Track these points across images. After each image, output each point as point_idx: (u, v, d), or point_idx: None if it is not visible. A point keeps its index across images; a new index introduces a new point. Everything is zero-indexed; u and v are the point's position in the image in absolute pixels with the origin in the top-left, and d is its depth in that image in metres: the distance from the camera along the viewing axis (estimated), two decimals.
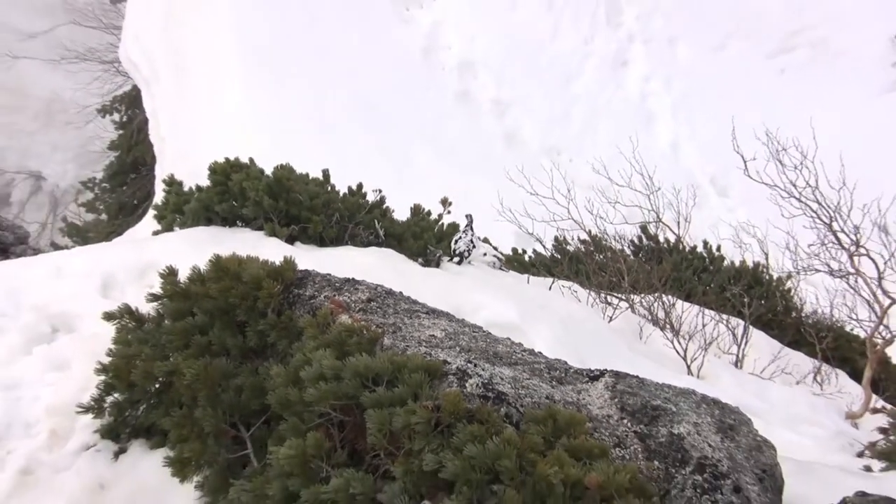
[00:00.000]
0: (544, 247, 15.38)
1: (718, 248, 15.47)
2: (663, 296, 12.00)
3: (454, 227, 10.01)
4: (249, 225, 8.76)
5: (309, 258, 6.54)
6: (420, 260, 9.10)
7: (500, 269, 10.81)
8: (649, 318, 11.60)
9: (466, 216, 10.21)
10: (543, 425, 4.12)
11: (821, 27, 26.38)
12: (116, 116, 28.59)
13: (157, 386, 5.25)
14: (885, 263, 11.30)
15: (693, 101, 24.33)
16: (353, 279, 5.64)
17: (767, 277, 14.39)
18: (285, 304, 5.27)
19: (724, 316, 12.05)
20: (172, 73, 22.18)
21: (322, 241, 8.73)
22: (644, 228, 15.88)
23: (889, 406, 10.39)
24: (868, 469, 7.03)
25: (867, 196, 12.17)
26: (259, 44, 22.60)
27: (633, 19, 26.44)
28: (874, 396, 10.88)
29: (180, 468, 4.92)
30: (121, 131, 27.73)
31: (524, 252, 15.07)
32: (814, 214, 12.20)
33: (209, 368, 4.91)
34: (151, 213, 10.54)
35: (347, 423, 4.30)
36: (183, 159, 18.10)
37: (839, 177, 12.35)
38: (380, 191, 9.61)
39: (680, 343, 10.58)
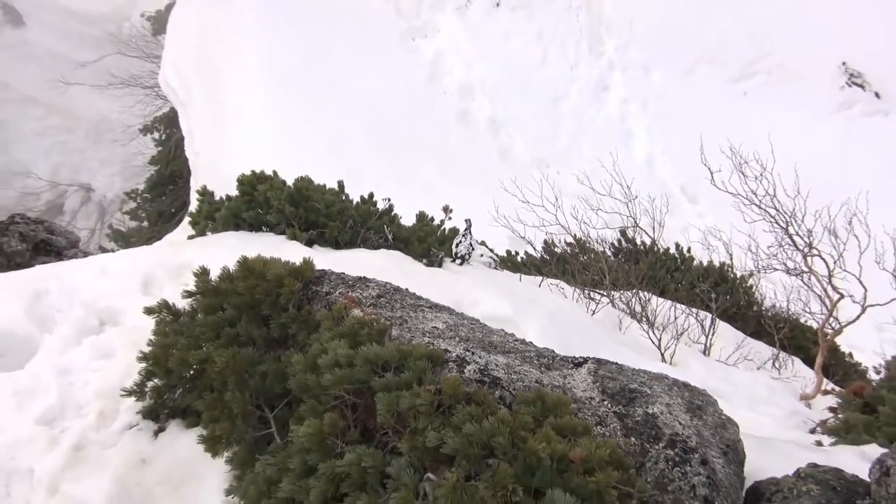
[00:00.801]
0: (535, 249, 15.38)
1: (689, 250, 15.46)
2: (640, 292, 12.00)
3: (455, 232, 9.99)
4: (273, 230, 8.76)
5: (325, 259, 6.53)
6: (424, 261, 9.09)
7: (496, 268, 10.80)
8: (627, 311, 11.59)
9: (465, 221, 10.20)
10: (533, 406, 4.11)
11: (777, 55, 26.40)
12: (156, 135, 28.66)
13: (191, 372, 5.26)
14: (835, 263, 11.30)
15: (666, 120, 24.33)
16: (364, 278, 5.63)
17: (732, 275, 14.39)
18: (304, 300, 5.26)
19: (694, 309, 12.05)
20: (205, 97, 22.21)
21: (337, 244, 8.73)
22: (623, 232, 15.88)
23: (838, 388, 10.38)
24: (819, 444, 7.00)
25: (819, 203, 12.18)
26: (281, 71, 22.62)
27: (612, 49, 26.44)
28: (825, 380, 10.89)
29: (212, 445, 4.93)
30: (160, 148, 27.80)
31: (517, 254, 15.06)
32: (772, 220, 12.21)
33: (237, 357, 4.91)
34: (187, 219, 10.56)
35: (359, 404, 4.29)
36: (214, 172, 18.10)
37: (794, 186, 12.36)
38: (389, 199, 9.61)
39: (654, 333, 10.58)
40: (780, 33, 26.84)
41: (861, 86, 26.20)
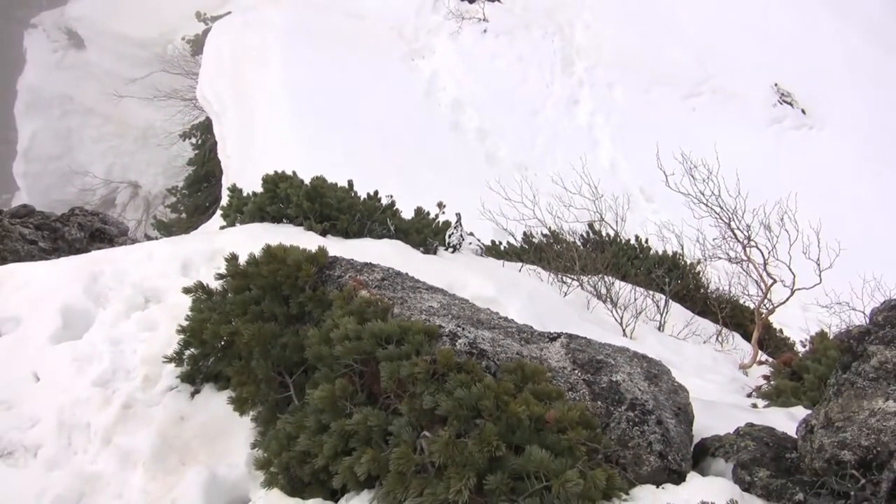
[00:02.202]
0: (515, 240, 15.33)
1: (646, 241, 15.42)
2: (605, 277, 11.97)
3: (447, 224, 9.96)
4: (292, 222, 8.72)
5: (337, 247, 6.50)
6: (421, 249, 9.06)
7: (482, 255, 10.78)
8: (595, 293, 11.56)
9: (456, 216, 10.19)
10: (514, 374, 4.12)
11: (720, 77, 26.48)
12: (194, 140, 28.58)
13: (222, 343, 5.27)
14: (769, 253, 11.31)
15: (627, 130, 24.32)
16: (370, 263, 5.61)
17: (682, 263, 14.37)
18: (319, 282, 5.25)
19: (650, 292, 12.03)
20: (236, 108, 22.18)
21: (347, 235, 8.69)
22: (591, 226, 15.85)
23: (770, 359, 10.39)
24: (755, 406, 6.99)
25: (756, 202, 12.19)
26: (301, 87, 22.57)
27: (582, 69, 26.41)
28: (760, 352, 10.90)
29: (240, 405, 4.98)
30: (197, 151, 27.74)
31: (500, 244, 15.00)
32: (717, 216, 12.21)
33: (262, 330, 4.93)
34: (219, 212, 10.51)
35: (366, 372, 4.29)
36: (243, 172, 18.07)
37: (735, 188, 12.35)
38: (391, 196, 9.58)
39: (617, 312, 10.56)
40: (721, 59, 26.93)
41: (790, 103, 26.27)
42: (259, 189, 9.07)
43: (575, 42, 27.37)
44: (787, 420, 5.15)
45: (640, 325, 10.50)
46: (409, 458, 3.72)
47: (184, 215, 27.15)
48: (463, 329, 4.54)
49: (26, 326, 6.19)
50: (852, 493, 3.54)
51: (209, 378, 5.42)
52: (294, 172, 9.07)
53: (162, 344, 5.72)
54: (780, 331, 13.31)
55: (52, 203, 29.14)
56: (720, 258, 12.67)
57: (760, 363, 10.35)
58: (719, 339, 11.74)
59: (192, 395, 5.36)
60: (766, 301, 11.26)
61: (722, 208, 12.19)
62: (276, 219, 8.85)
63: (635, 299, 11.35)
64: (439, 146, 22.56)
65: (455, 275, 7.85)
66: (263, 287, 5.22)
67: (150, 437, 5.03)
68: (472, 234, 11.30)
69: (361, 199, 9.23)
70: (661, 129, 22.28)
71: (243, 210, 9.14)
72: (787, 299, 10.96)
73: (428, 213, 10.01)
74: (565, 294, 11.03)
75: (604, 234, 15.40)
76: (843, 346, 4.16)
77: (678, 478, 4.08)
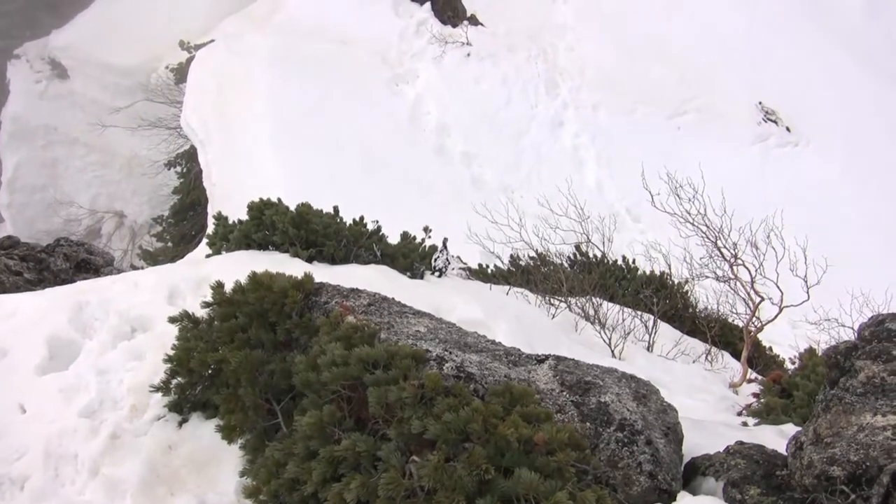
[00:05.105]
0: (502, 262, 15.35)
1: (633, 262, 15.46)
2: (593, 298, 12.00)
3: (434, 249, 9.96)
4: (278, 249, 8.70)
5: (323, 273, 6.52)
6: (408, 274, 9.06)
7: (468, 278, 10.78)
8: (582, 315, 11.58)
9: (443, 240, 10.20)
10: (502, 397, 4.12)
11: (705, 96, 26.66)
12: (179, 169, 28.61)
13: (209, 371, 5.26)
14: (756, 271, 11.35)
15: (612, 151, 24.42)
16: (356, 289, 5.62)
17: (670, 283, 14.41)
18: (306, 308, 5.25)
19: (639, 312, 12.05)
20: (221, 136, 22.18)
21: (333, 260, 8.68)
22: (577, 247, 15.89)
23: (760, 377, 10.42)
24: (745, 424, 7.03)
25: (742, 220, 12.28)
26: (286, 114, 22.61)
27: (566, 91, 26.53)
28: (749, 370, 10.92)
29: (228, 433, 4.95)
30: (182, 180, 27.73)
31: (487, 266, 15.02)
32: (703, 235, 12.27)
33: (249, 357, 4.92)
34: (205, 240, 10.50)
35: (354, 398, 4.29)
36: (228, 200, 18.03)
37: (721, 206, 12.43)
38: (377, 221, 9.57)
39: (605, 333, 10.58)
40: (706, 78, 27.12)
41: (775, 121, 26.48)
42: (244, 216, 9.07)
43: (558, 64, 27.53)
44: (777, 437, 5.17)
45: (628, 345, 10.51)
46: (399, 484, 3.71)
47: (170, 244, 27.11)
48: (450, 353, 4.54)
49: (12, 357, 6.16)
50: None
51: (197, 407, 5.40)
52: (279, 199, 9.07)
53: (149, 373, 5.68)
54: (770, 348, 13.35)
55: (37, 234, 29.11)
56: (708, 277, 12.73)
57: (750, 381, 10.39)
58: (708, 357, 11.76)
59: (180, 423, 5.33)
60: (754, 319, 11.30)
61: (708, 227, 12.25)
62: (262, 246, 8.83)
63: (623, 320, 11.37)
64: (424, 170, 22.60)
65: (442, 299, 7.86)
66: (250, 314, 5.22)
67: (137, 466, 5.01)
68: (458, 257, 11.32)
69: (347, 224, 9.23)
70: (646, 149, 22.44)
71: (229, 238, 9.12)
72: (776, 317, 10.99)
73: (414, 238, 10.02)
74: (553, 316, 11.03)
75: (591, 255, 15.43)
76: (831, 362, 4.19)
77: (668, 498, 4.09)
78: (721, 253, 11.98)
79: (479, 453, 3.67)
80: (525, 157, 24.31)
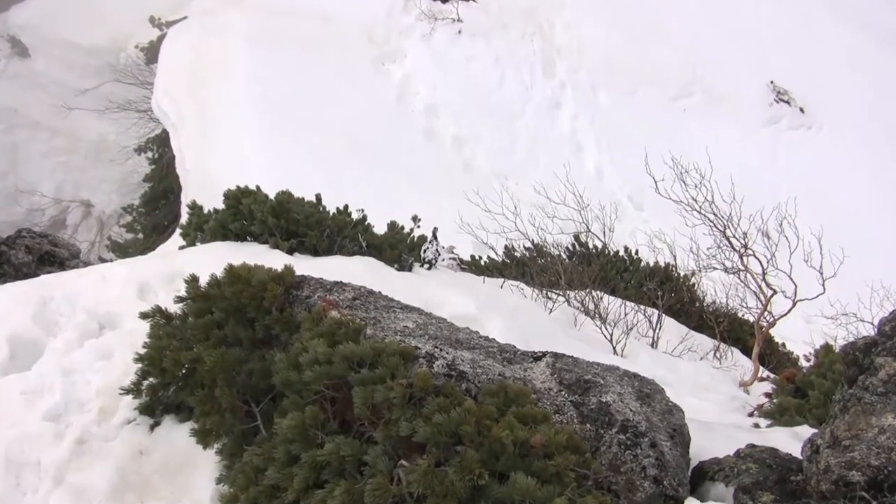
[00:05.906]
0: (497, 254, 15.34)
1: (636, 252, 15.48)
2: (593, 291, 12.00)
3: (423, 239, 9.95)
4: (257, 240, 8.69)
5: (305, 265, 6.49)
6: (396, 266, 9.05)
7: (461, 269, 10.77)
8: (582, 309, 11.58)
9: (433, 230, 10.19)
10: (497, 397, 4.11)
11: (711, 76, 26.67)
12: (150, 154, 28.49)
13: (183, 371, 5.24)
14: (768, 262, 11.37)
15: (612, 135, 24.42)
16: (340, 282, 5.61)
17: (676, 275, 14.42)
18: (286, 303, 5.23)
19: (642, 306, 12.06)
20: (194, 119, 22.07)
21: (316, 252, 8.66)
22: (576, 237, 15.89)
23: (772, 375, 10.43)
24: (756, 426, 7.04)
25: (752, 208, 12.27)
26: (267, 95, 22.54)
27: (563, 71, 26.50)
28: (761, 368, 10.94)
29: (203, 437, 4.93)
30: (153, 166, 27.63)
31: (480, 258, 15.01)
32: (711, 224, 12.28)
33: (225, 356, 4.91)
34: (178, 231, 10.49)
35: (338, 398, 4.28)
36: (203, 188, 17.94)
37: (730, 193, 12.44)
38: (362, 210, 9.56)
39: (606, 329, 10.58)
40: (712, 58, 27.11)
41: (787, 102, 26.49)
42: (221, 205, 9.04)
43: (555, 42, 27.48)
44: (791, 440, 5.17)
45: (631, 341, 10.51)
46: (386, 490, 3.70)
47: (140, 235, 27.02)
48: (441, 350, 4.53)
49: None
50: None
51: (170, 409, 5.38)
52: (258, 187, 9.04)
53: (118, 374, 5.65)
54: (783, 345, 13.38)
55: None
56: (716, 269, 12.75)
57: (762, 380, 10.40)
58: (717, 355, 11.78)
59: (152, 427, 5.32)
60: (766, 313, 11.31)
61: (716, 215, 12.25)
62: (240, 237, 8.81)
63: (626, 314, 11.38)
64: (413, 155, 22.56)
65: (432, 292, 7.85)
66: (226, 310, 5.20)
67: (106, 473, 4.98)
68: (451, 248, 11.30)
69: (331, 213, 9.21)
70: (649, 132, 22.42)
71: (204, 228, 9.09)
72: (789, 311, 11.01)
73: (402, 228, 10.00)
74: (550, 310, 11.04)
75: (591, 245, 15.43)
76: (849, 359, 4.17)
77: None
78: (730, 243, 12.00)
79: (471, 457, 3.66)
80: (520, 141, 24.28)
